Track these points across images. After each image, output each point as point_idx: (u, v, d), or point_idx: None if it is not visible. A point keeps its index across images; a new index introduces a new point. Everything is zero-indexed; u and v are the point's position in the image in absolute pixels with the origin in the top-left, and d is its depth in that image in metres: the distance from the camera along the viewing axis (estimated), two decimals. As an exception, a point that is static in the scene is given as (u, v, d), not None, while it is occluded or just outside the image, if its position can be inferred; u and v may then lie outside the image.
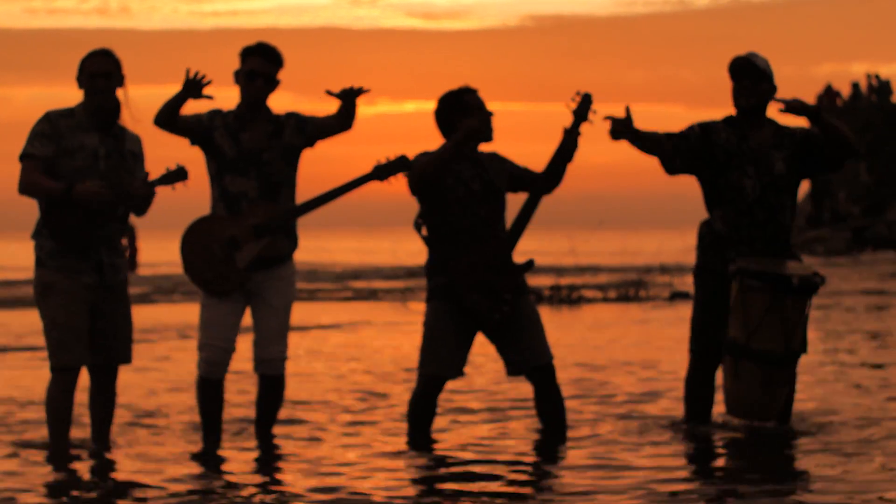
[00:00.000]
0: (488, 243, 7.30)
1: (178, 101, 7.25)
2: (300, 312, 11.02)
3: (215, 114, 7.45)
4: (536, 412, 7.53)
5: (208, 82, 7.23)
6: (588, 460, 6.89)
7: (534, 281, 24.43)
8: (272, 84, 7.42)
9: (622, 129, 7.25)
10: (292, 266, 7.57)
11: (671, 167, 7.43)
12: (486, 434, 7.89)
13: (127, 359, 7.23)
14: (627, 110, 7.26)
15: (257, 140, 7.43)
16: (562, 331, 15.62)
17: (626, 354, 12.57)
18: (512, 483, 6.42)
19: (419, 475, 6.69)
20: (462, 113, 7.33)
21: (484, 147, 7.46)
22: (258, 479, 6.61)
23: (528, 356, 7.36)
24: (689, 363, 7.55)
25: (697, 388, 7.53)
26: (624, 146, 7.34)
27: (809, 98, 66.08)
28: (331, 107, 7.50)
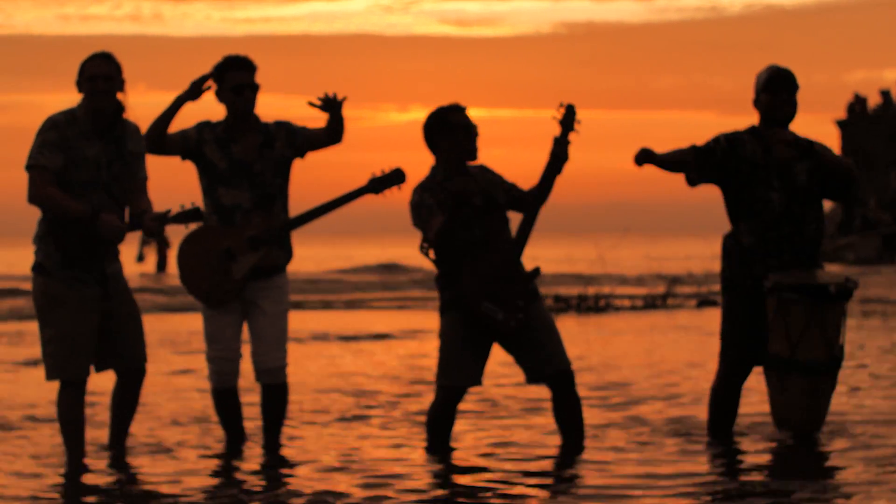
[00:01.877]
0: (496, 254, 7.26)
1: (177, 106, 7.30)
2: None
3: (203, 126, 7.46)
4: (554, 418, 7.49)
5: (209, 87, 7.33)
6: (607, 468, 6.84)
7: (561, 289, 24.43)
8: (256, 92, 7.42)
9: (644, 157, 7.35)
10: (286, 276, 7.58)
11: (693, 180, 7.44)
12: (504, 438, 7.87)
13: (144, 357, 7.21)
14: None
15: (248, 151, 7.42)
16: (589, 337, 15.51)
17: (650, 361, 12.47)
18: (527, 486, 6.43)
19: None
20: (447, 132, 7.30)
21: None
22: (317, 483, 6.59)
23: (546, 362, 7.33)
24: (717, 374, 7.52)
25: (723, 400, 7.50)
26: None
27: (840, 106, 66.00)
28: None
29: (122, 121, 7.03)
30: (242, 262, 7.38)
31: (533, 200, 7.36)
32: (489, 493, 6.35)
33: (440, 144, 7.33)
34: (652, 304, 22.58)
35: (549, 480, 6.72)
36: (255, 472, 6.97)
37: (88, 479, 6.80)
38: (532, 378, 7.39)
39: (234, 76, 7.34)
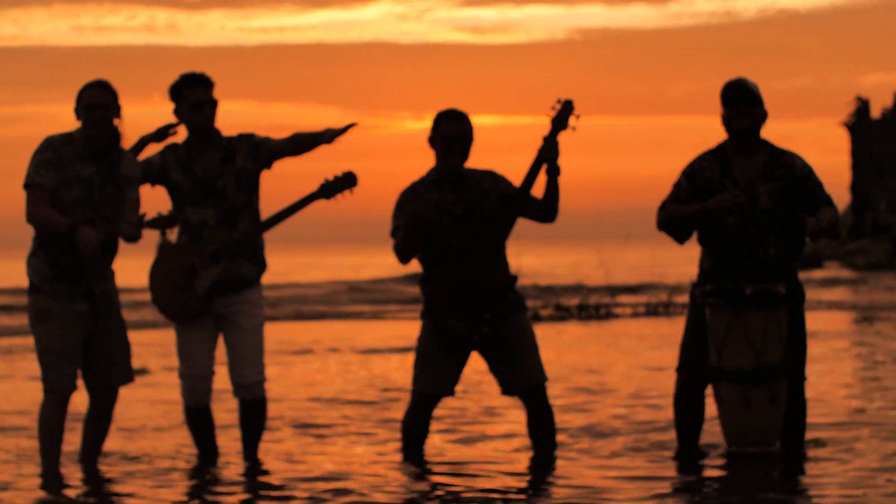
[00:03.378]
0: (473, 262, 7.22)
1: (140, 145, 7.49)
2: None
3: (167, 150, 7.51)
4: (527, 431, 7.51)
5: (174, 132, 7.53)
6: (574, 480, 6.84)
7: (562, 296, 24.44)
8: (216, 107, 7.43)
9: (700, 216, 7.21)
10: (259, 290, 7.57)
11: (680, 239, 7.38)
12: (473, 451, 7.84)
13: (128, 379, 7.31)
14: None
15: (210, 168, 7.44)
16: (589, 345, 15.55)
17: (641, 365, 12.51)
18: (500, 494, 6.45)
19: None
20: (434, 140, 7.32)
21: (483, 164, 7.44)
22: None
23: (519, 377, 7.33)
24: (676, 385, 7.44)
25: (684, 410, 7.41)
26: (660, 159, 7.31)
27: (845, 109, 65.61)
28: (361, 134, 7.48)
29: (118, 148, 7.13)
30: (204, 277, 7.39)
31: (514, 201, 7.27)
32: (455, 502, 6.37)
33: (433, 148, 7.37)
34: (654, 310, 22.61)
35: (521, 487, 6.73)
36: (231, 484, 7.01)
37: (61, 489, 6.86)
38: (506, 390, 7.40)
39: (193, 93, 7.36)
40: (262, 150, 7.45)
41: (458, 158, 7.33)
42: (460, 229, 7.27)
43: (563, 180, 7.27)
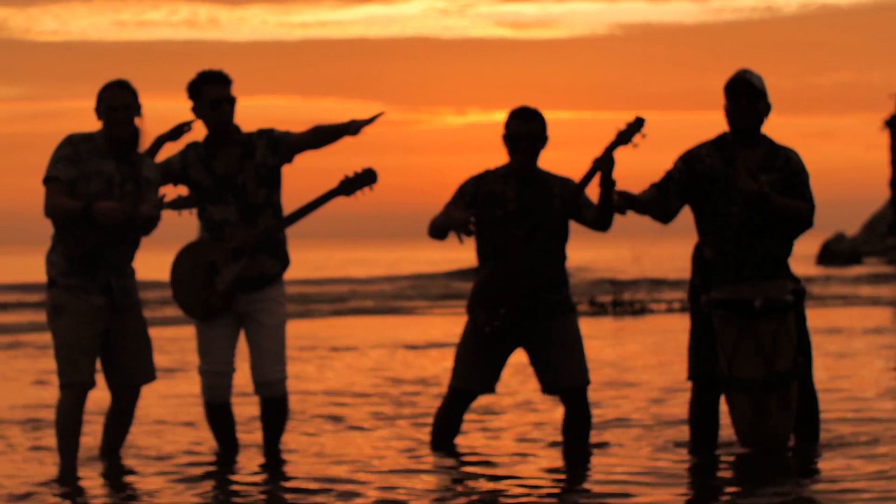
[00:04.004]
0: (512, 264, 7.24)
1: (157, 146, 7.52)
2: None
3: (188, 148, 7.50)
4: (562, 430, 7.52)
5: (189, 129, 7.58)
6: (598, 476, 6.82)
7: (597, 292, 24.41)
8: (234, 104, 7.40)
9: (623, 203, 7.14)
10: (281, 286, 7.54)
11: (663, 218, 7.29)
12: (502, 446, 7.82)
13: (149, 377, 7.31)
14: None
15: (229, 165, 7.42)
16: (625, 341, 15.47)
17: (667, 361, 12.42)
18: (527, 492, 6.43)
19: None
20: (504, 137, 7.30)
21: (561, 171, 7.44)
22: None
23: (559, 377, 7.34)
24: (691, 394, 7.36)
25: (699, 415, 7.33)
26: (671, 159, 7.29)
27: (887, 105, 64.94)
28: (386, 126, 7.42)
29: (137, 150, 7.16)
30: (225, 275, 7.38)
31: (565, 207, 7.28)
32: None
33: (504, 145, 7.36)
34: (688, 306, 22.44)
35: (546, 484, 6.70)
36: (250, 481, 6.98)
37: (80, 484, 6.86)
38: (545, 389, 7.41)
39: (210, 90, 7.34)
40: (282, 145, 7.42)
41: (523, 157, 7.32)
42: (509, 226, 7.28)
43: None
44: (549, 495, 6.44)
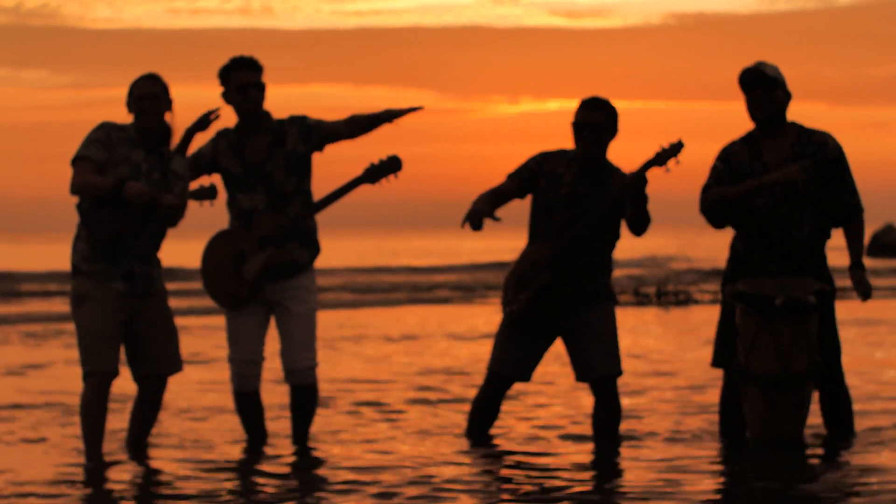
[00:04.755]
0: (549, 250, 7.23)
1: (187, 139, 7.43)
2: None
3: (219, 136, 7.47)
4: (591, 420, 7.50)
5: (216, 117, 7.46)
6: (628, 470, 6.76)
7: (642, 281, 24.29)
8: (263, 91, 7.34)
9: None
10: (312, 274, 7.49)
11: (724, 221, 7.25)
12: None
13: (176, 368, 7.26)
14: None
15: (259, 152, 7.37)
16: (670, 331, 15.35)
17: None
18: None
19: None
20: (573, 126, 7.27)
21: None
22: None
23: (592, 365, 7.34)
24: (723, 384, 7.35)
25: (728, 404, 7.32)
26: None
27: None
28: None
29: (168, 149, 7.12)
30: (252, 263, 7.35)
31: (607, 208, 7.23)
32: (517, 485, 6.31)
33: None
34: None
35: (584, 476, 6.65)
36: (280, 472, 6.94)
37: (107, 473, 6.85)
38: (578, 377, 7.42)
39: (239, 76, 7.29)
40: (315, 133, 7.36)
41: (587, 146, 7.29)
42: (557, 210, 7.27)
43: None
44: (581, 486, 6.37)
